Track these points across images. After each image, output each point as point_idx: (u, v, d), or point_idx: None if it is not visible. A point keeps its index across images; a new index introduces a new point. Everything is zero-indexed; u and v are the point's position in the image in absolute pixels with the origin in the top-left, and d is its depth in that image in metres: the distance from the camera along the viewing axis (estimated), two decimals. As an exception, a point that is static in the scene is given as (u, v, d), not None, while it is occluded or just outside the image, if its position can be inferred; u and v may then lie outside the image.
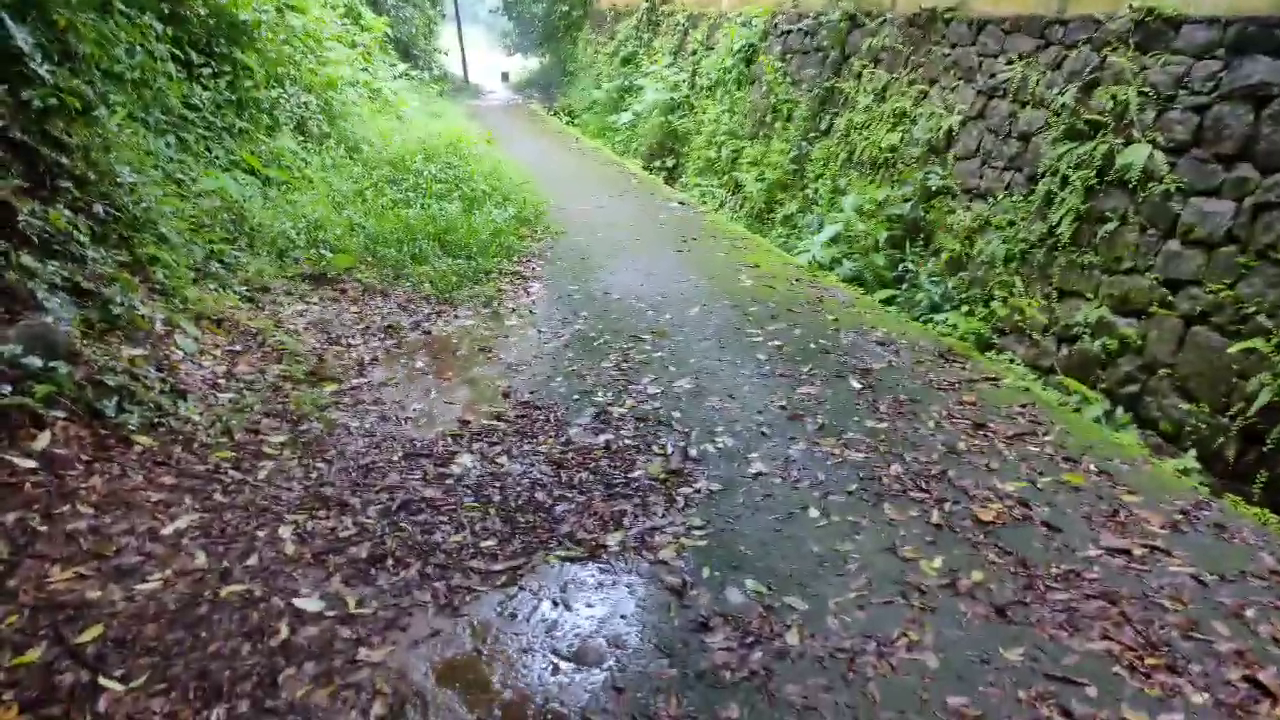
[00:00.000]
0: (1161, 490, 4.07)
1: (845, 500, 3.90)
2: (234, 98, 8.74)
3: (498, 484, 4.03)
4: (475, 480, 4.06)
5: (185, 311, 5.51)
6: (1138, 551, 3.52)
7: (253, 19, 9.35)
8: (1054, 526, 3.70)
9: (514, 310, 6.58)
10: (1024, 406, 4.99)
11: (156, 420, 4.17)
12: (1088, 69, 6.78)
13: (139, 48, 7.66)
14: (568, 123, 20.73)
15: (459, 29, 44.06)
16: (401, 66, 14.94)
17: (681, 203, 10.99)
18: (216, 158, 7.97)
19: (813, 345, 5.92)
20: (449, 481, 4.04)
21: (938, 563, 3.45)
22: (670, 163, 15.76)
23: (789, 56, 12.35)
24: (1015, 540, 3.60)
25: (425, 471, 4.10)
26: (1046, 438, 4.55)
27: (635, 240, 8.71)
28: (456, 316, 6.40)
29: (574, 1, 30.85)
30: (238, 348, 5.33)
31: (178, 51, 8.36)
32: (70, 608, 2.92)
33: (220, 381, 4.82)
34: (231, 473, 3.92)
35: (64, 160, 5.29)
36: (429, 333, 6.04)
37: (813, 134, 11.14)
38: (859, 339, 6.11)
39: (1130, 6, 6.40)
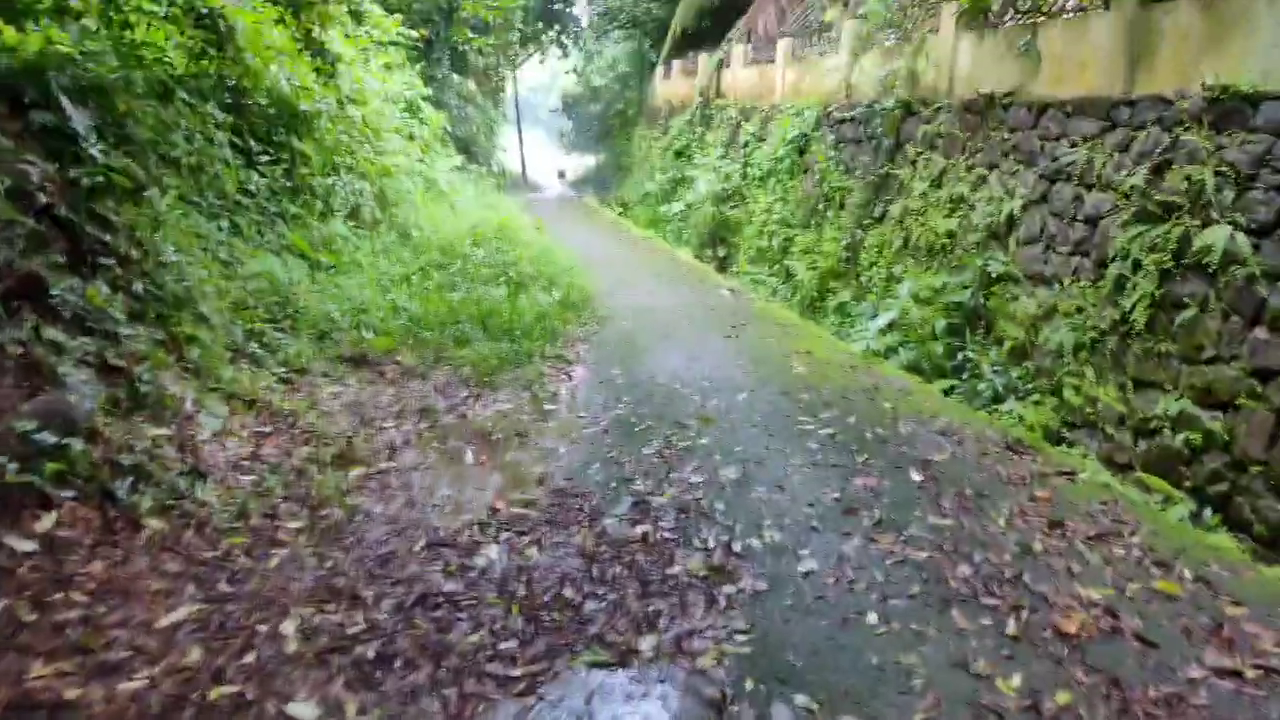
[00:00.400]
0: (1271, 601, 3.58)
1: (907, 605, 3.49)
2: (290, 184, 8.89)
3: (524, 578, 3.71)
4: (500, 573, 3.75)
5: (217, 391, 5.39)
6: (1250, 674, 3.04)
7: (312, 110, 9.58)
8: (1149, 641, 3.24)
9: (554, 394, 6.35)
10: (1104, 504, 4.54)
11: (170, 503, 3.97)
12: (1158, 149, 6.48)
13: (198, 134, 7.84)
14: (620, 214, 20.96)
15: (519, 128, 45.67)
16: (458, 159, 15.29)
17: (731, 290, 10.81)
18: (268, 241, 8.03)
19: (868, 435, 5.55)
20: (472, 574, 3.73)
21: (1016, 681, 3.01)
22: (721, 252, 15.70)
23: (842, 145, 12.28)
24: (1105, 656, 3.14)
25: (447, 562, 3.80)
26: (1133, 539, 4.09)
27: (682, 326, 8.50)
28: (495, 400, 6.18)
29: (629, 100, 31.75)
30: (267, 429, 5.16)
31: (237, 140, 8.56)
32: (45, 708, 2.66)
33: (244, 463, 4.63)
34: (241, 560, 3.67)
35: (107, 238, 5.28)
36: (465, 416, 5.82)
37: (866, 221, 10.94)
38: (918, 428, 5.72)
39: (1204, 85, 6.12)
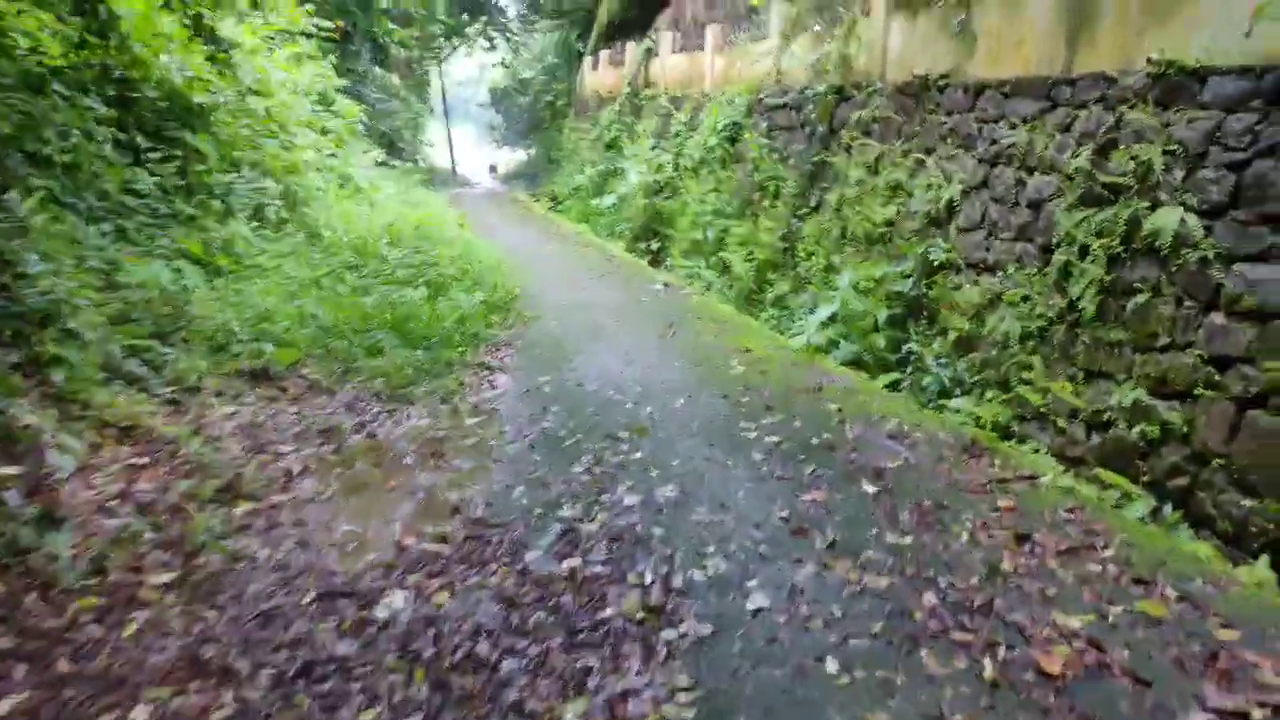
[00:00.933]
0: (1261, 620, 3.26)
1: (870, 646, 3.08)
2: (184, 183, 8.17)
3: (432, 632, 3.20)
4: (404, 627, 3.23)
5: (85, 419, 4.75)
6: (1257, 715, 2.69)
7: (208, 103, 8.85)
8: (1140, 678, 2.88)
9: (476, 407, 5.82)
10: (1071, 511, 4.21)
11: (10, 560, 3.35)
12: (1102, 129, 6.21)
13: (75, 130, 7.11)
14: (551, 209, 20.37)
15: (447, 123, 44.67)
16: (377, 154, 14.56)
17: (666, 284, 10.37)
18: (158, 246, 7.31)
19: (815, 441, 5.15)
20: (370, 630, 3.21)
21: (999, 737, 2.62)
22: (655, 245, 15.25)
23: (775, 133, 11.93)
24: (1096, 700, 2.77)
25: (342, 617, 3.27)
26: (1106, 552, 3.75)
27: (615, 324, 8.02)
28: (409, 416, 5.63)
29: (558, 92, 31.11)
30: (143, 460, 4.54)
31: (122, 135, 7.82)
32: None
33: (110, 504, 4.01)
34: (91, 629, 3.08)
35: (-55, 247, 4.60)
36: (375, 436, 5.26)
37: (803, 211, 10.60)
38: (867, 431, 5.34)
39: (1148, 60, 5.86)
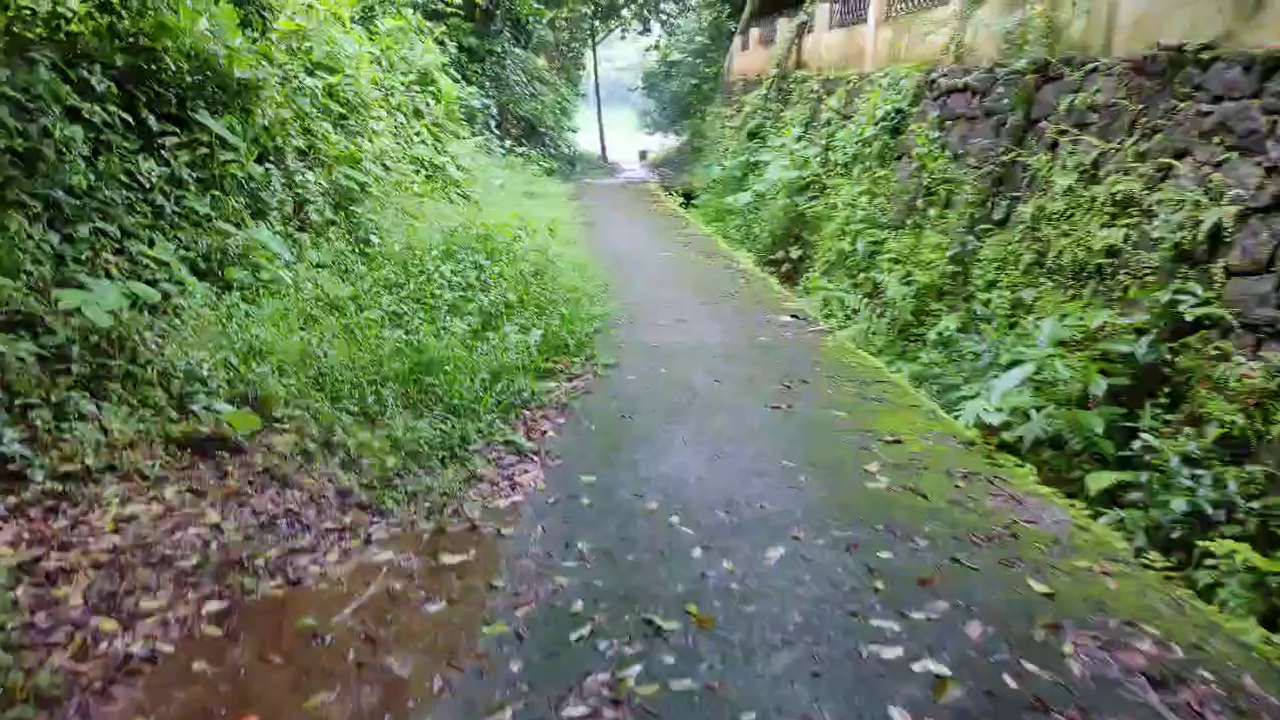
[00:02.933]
0: None
1: None
2: (201, 175, 6.69)
3: None
4: None
5: None
6: None
7: (252, 79, 7.35)
8: None
9: (472, 529, 3.91)
10: None
11: None
12: None
13: (52, 108, 5.70)
14: (683, 204, 18.34)
15: (598, 107, 43.50)
16: (475, 140, 12.99)
17: (796, 316, 8.16)
18: (149, 254, 5.79)
19: (1014, 673, 2.93)
20: None
21: None
22: (795, 253, 12.98)
23: (949, 123, 9.45)
24: None
25: None
26: None
27: (715, 384, 5.91)
28: (371, 542, 3.78)
29: (705, 75, 29.06)
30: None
31: (127, 116, 6.38)
32: None
33: None
34: None
35: None
36: (298, 584, 3.44)
37: (983, 225, 8.14)
38: (1102, 659, 3.05)
39: None
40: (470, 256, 7.13)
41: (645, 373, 6.06)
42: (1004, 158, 8.02)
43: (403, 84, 11.35)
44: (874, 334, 9.09)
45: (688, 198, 19.89)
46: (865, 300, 9.87)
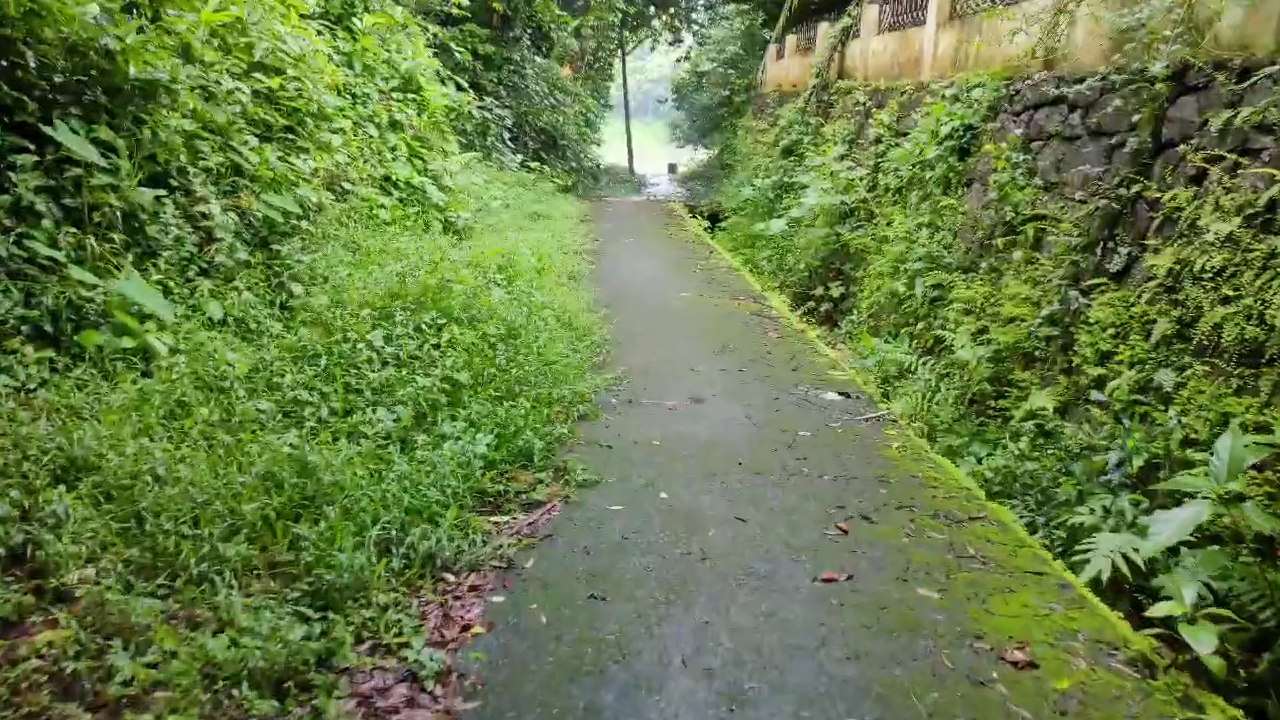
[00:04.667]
0: None
1: None
2: (80, 203, 5.04)
3: None
4: None
5: None
6: None
7: (153, 80, 5.69)
8: None
9: None
10: None
11: None
12: None
13: None
14: (708, 228, 16.54)
15: (626, 119, 42.05)
16: (466, 156, 11.23)
17: (845, 394, 6.29)
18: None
19: None
20: None
21: None
22: (836, 290, 11.15)
23: (1037, 144, 7.59)
24: None
25: None
26: None
27: (736, 521, 4.06)
28: None
29: (737, 86, 27.31)
30: None
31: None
32: None
33: None
34: None
35: None
36: None
37: (1092, 277, 6.27)
38: None
39: None
40: (416, 315, 5.36)
41: (637, 498, 4.23)
42: (1121, 190, 6.14)
43: (381, 90, 9.68)
44: (938, 404, 7.24)
45: (714, 219, 18.11)
46: (925, 360, 8.01)
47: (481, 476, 4.08)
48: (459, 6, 16.78)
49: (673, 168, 41.37)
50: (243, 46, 7.08)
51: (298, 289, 5.68)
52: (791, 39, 19.01)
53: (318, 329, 5.13)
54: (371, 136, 8.76)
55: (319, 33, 9.04)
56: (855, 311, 10.44)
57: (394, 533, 3.48)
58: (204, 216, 5.68)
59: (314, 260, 6.05)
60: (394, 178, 8.86)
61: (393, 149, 9.10)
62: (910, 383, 7.70)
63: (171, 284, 5.38)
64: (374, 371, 4.76)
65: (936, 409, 7.20)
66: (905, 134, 10.59)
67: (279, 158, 6.70)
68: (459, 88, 16.93)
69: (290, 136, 7.12)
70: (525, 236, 11.24)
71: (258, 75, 6.92)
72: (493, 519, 3.93)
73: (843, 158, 12.24)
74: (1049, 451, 5.85)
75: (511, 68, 22.47)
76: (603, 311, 7.87)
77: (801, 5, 18.42)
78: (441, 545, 3.43)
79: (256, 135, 6.58)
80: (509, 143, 20.56)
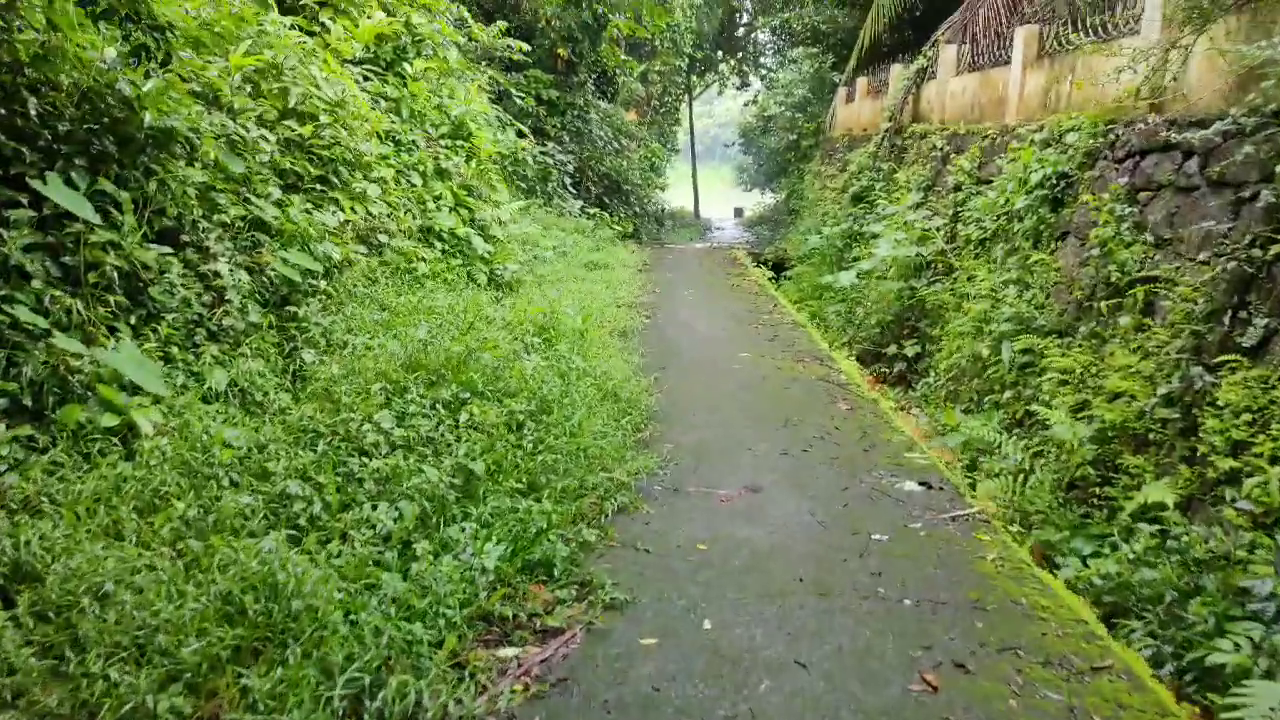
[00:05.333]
0: None
1: None
2: (78, 261, 4.64)
3: None
4: None
5: None
6: None
7: (170, 127, 5.29)
8: None
9: None
10: None
11: None
12: None
13: None
14: (773, 278, 15.80)
15: (693, 163, 41.88)
16: (518, 204, 10.72)
17: (926, 485, 5.45)
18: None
19: None
20: None
21: None
22: (910, 349, 10.29)
23: (1145, 195, 6.72)
24: None
25: None
26: None
27: (797, 669, 3.27)
28: None
29: (805, 131, 26.67)
30: None
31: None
32: None
33: None
34: None
35: None
36: None
37: (1217, 351, 5.36)
38: None
39: None
40: (434, 390, 4.75)
41: (675, 628, 3.49)
42: (1254, 251, 5.26)
43: (430, 137, 9.28)
44: (1032, 489, 6.34)
45: (779, 268, 17.37)
46: (1015, 436, 7.11)
47: (489, 599, 3.40)
48: (521, 52, 16.56)
49: (739, 212, 41.05)
50: (276, 92, 6.70)
51: (310, 356, 5.13)
52: (862, 82, 18.32)
53: (323, 404, 4.55)
54: (414, 186, 8.30)
55: (367, 78, 8.73)
56: (932, 373, 9.56)
57: (368, 679, 2.81)
58: (215, 275, 5.21)
59: (333, 323, 5.52)
60: (437, 228, 8.37)
61: (437, 198, 8.63)
62: (997, 458, 6.82)
63: (174, 350, 4.90)
64: (379, 459, 4.14)
65: (1030, 494, 6.31)
66: (988, 181, 9.76)
67: (307, 210, 6.24)
68: (519, 134, 16.68)
69: (322, 187, 6.67)
70: (577, 288, 10.69)
71: (288, 123, 6.50)
72: (498, 652, 3.24)
73: (918, 206, 11.43)
74: (1172, 557, 4.94)
75: (575, 113, 22.27)
76: (653, 376, 7.19)
77: (872, 47, 17.74)
78: (423, 705, 2.75)
79: (283, 186, 6.14)
80: (570, 188, 20.26)
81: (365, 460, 4.18)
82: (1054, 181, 8.02)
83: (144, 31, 4.96)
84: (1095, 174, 7.52)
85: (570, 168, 20.42)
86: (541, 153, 18.86)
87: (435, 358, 5.01)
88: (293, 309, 5.46)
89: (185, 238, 5.33)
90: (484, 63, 16.91)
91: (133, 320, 4.84)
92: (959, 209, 10.33)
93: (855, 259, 12.68)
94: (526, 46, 16.42)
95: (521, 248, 11.12)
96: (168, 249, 5.06)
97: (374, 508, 3.82)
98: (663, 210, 30.28)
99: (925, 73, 13.72)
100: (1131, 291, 6.43)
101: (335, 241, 6.16)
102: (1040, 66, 9.41)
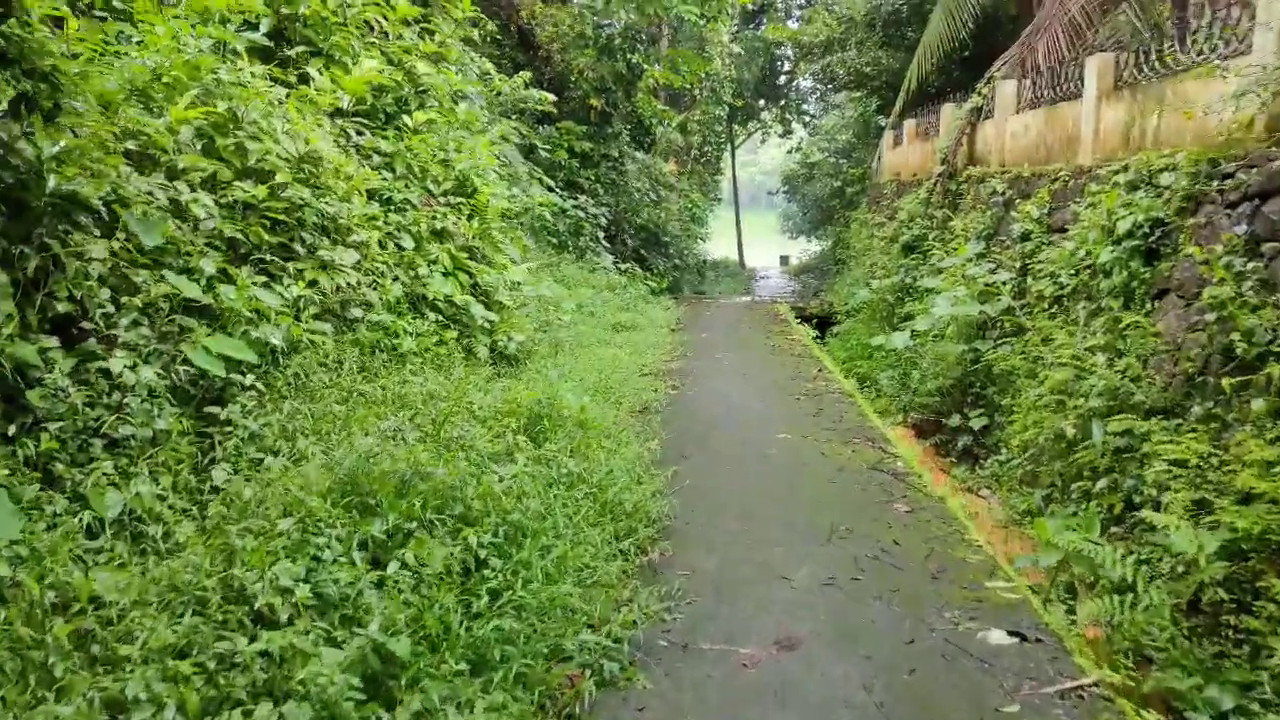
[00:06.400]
0: None
1: None
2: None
3: None
4: None
5: None
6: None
7: (62, 191, 4.39)
8: None
9: None
10: None
11: None
12: None
13: None
14: (818, 337, 14.58)
15: (736, 212, 41.17)
16: (529, 265, 9.68)
17: (1018, 635, 4.17)
18: None
19: None
20: None
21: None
22: (977, 421, 8.99)
23: (1271, 247, 5.45)
24: None
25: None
26: None
27: None
28: None
29: (850, 177, 25.61)
30: None
31: None
32: None
33: None
34: None
35: None
36: None
37: None
38: None
39: None
40: (362, 525, 3.64)
41: None
42: None
43: (431, 194, 8.37)
44: (1146, 614, 5.01)
45: (824, 325, 16.18)
46: (1116, 542, 5.79)
47: None
48: (552, 103, 15.84)
49: (784, 260, 40.20)
50: (232, 149, 5.80)
51: (222, 474, 4.08)
52: (910, 124, 17.21)
53: (219, 547, 3.48)
54: (404, 249, 7.35)
55: (360, 132, 7.89)
56: (1004, 450, 8.26)
57: None
58: (115, 377, 4.22)
59: (266, 425, 4.48)
60: (431, 296, 7.39)
61: (432, 262, 7.67)
62: (1097, 559, 5.49)
63: (59, 466, 3.90)
64: (272, 632, 3.04)
65: (1145, 619, 4.99)
66: (1062, 229, 8.52)
67: (261, 283, 5.28)
68: (549, 188, 15.85)
69: (284, 256, 5.72)
70: (599, 355, 9.64)
71: (242, 184, 5.58)
72: None
73: (979, 258, 10.20)
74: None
75: (610, 164, 21.49)
76: (672, 470, 6.03)
77: (919, 88, 16.67)
78: None
79: (232, 257, 5.19)
80: (605, 242, 19.41)
81: (259, 632, 3.09)
82: (1147, 230, 6.77)
83: (23, 78, 4.07)
84: (1199, 221, 6.27)
85: (603, 221, 19.58)
86: (574, 206, 18.08)
87: (381, 474, 3.93)
88: (214, 410, 4.44)
89: (89, 325, 4.37)
90: (513, 115, 16.22)
91: (10, 430, 3.86)
92: (1028, 261, 9.08)
93: (908, 316, 11.45)
94: (552, 97, 15.66)
95: (538, 311, 10.12)
96: (53, 342, 4.10)
97: (247, 716, 2.71)
98: (704, 261, 29.38)
99: (980, 112, 12.56)
100: (1264, 367, 5.14)
101: (285, 320, 5.16)
102: (1118, 98, 8.20)
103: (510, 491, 4.14)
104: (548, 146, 17.07)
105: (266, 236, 5.60)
